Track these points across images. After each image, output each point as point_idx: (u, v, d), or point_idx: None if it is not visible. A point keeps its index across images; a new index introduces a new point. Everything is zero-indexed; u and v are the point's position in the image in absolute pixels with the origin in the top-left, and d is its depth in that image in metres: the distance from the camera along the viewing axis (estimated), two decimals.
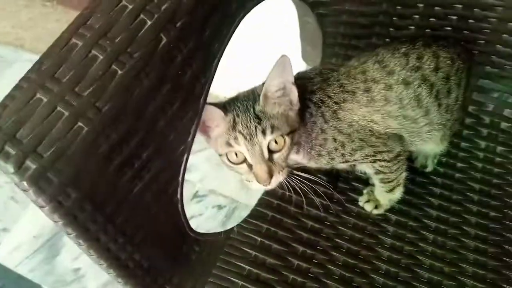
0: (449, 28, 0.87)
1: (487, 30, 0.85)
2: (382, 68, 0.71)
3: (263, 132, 0.64)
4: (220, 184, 1.45)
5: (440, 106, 0.74)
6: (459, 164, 0.88)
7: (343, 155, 0.72)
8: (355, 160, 0.73)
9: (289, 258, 0.74)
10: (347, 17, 0.88)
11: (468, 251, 0.77)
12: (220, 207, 1.41)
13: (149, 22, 0.50)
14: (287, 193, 0.80)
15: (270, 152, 0.66)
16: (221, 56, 0.60)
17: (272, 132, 0.64)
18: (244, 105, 0.66)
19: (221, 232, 0.75)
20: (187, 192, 1.44)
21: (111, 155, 0.48)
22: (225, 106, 0.67)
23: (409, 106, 0.71)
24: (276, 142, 0.65)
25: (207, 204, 1.42)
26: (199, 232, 0.69)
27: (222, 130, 0.66)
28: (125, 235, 0.53)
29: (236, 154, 0.66)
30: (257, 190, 0.70)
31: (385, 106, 0.70)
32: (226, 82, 1.48)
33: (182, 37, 0.53)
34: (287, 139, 0.66)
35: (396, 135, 0.73)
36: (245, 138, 0.64)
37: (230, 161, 0.67)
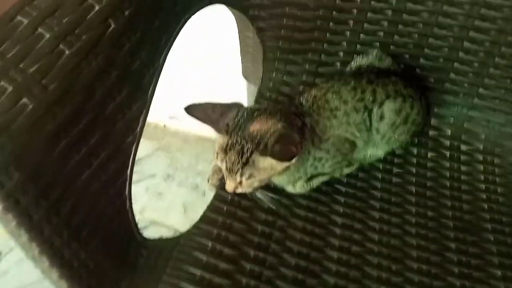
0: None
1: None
2: (339, 98, 0.81)
3: (241, 174, 0.69)
4: (161, 214, 1.39)
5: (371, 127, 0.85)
6: (395, 169, 0.92)
7: (316, 167, 0.79)
8: (324, 168, 0.80)
9: (242, 262, 0.72)
10: (285, 31, 0.93)
11: (411, 248, 0.79)
12: None
13: (97, 7, 0.50)
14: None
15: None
16: (168, 51, 0.61)
17: (248, 178, 0.70)
18: (242, 144, 0.68)
19: (170, 238, 0.73)
20: None
21: (58, 136, 0.46)
22: (228, 125, 0.69)
23: (360, 128, 0.83)
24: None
25: (148, 235, 1.35)
26: (145, 237, 0.66)
27: (218, 137, 0.71)
28: (71, 228, 0.50)
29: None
30: None
31: (348, 128, 0.81)
32: (165, 104, 1.48)
33: (131, 25, 0.54)
34: (259, 183, 0.73)
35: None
36: (227, 167, 0.70)
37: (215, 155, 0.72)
